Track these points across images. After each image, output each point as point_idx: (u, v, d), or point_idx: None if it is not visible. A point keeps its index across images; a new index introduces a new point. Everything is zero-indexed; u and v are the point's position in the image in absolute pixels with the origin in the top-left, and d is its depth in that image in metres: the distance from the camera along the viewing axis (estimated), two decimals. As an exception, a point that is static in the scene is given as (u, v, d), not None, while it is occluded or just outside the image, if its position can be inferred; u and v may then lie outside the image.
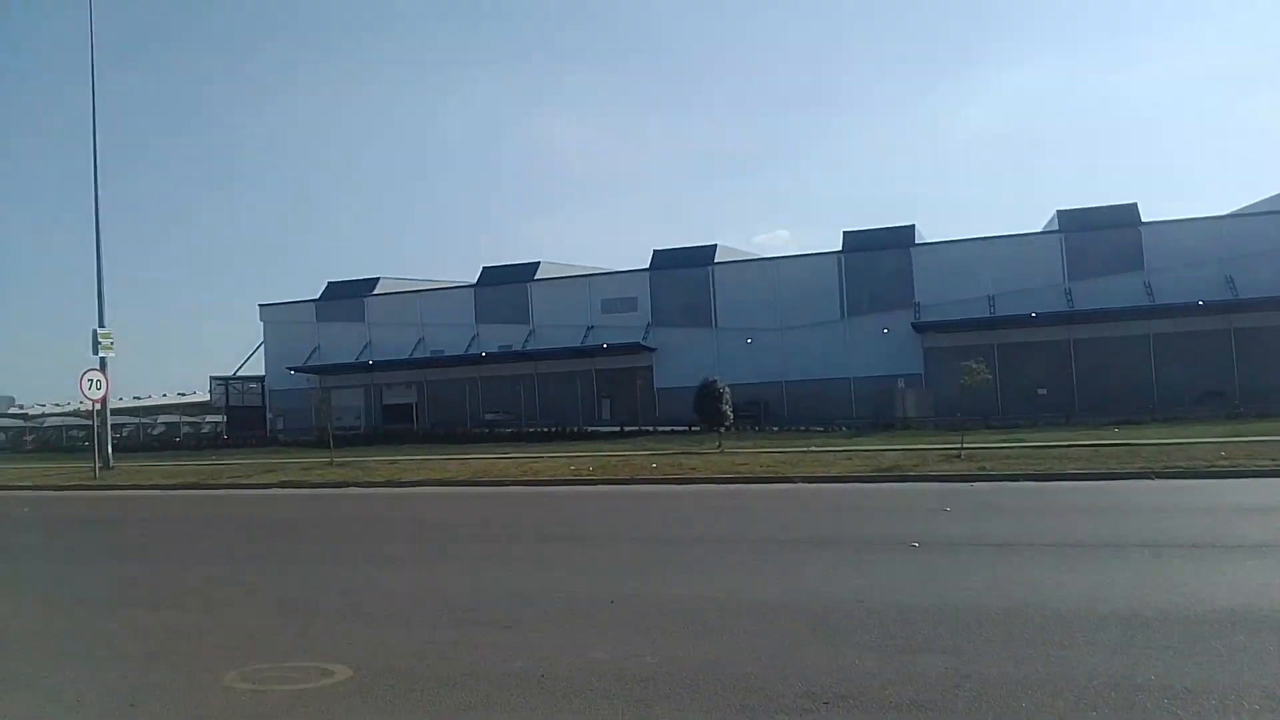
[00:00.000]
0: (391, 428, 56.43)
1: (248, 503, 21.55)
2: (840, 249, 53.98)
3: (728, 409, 32.90)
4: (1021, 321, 48.59)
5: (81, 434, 70.94)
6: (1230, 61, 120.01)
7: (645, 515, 15.77)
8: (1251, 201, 51.13)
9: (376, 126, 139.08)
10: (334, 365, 61.45)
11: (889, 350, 51.59)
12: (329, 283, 65.28)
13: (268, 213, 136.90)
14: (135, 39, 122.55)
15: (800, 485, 19.32)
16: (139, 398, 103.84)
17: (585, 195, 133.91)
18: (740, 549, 11.35)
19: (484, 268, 61.57)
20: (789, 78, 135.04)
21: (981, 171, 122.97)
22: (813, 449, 27.85)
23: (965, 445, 23.31)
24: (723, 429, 33.20)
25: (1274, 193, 49.53)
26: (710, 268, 55.88)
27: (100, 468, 30.41)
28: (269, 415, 64.05)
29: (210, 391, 67.41)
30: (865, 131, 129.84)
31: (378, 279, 63.99)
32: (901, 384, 49.70)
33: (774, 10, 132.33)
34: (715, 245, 57.35)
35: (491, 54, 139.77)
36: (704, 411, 33.31)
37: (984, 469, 19.06)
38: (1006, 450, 22.89)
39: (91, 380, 29.35)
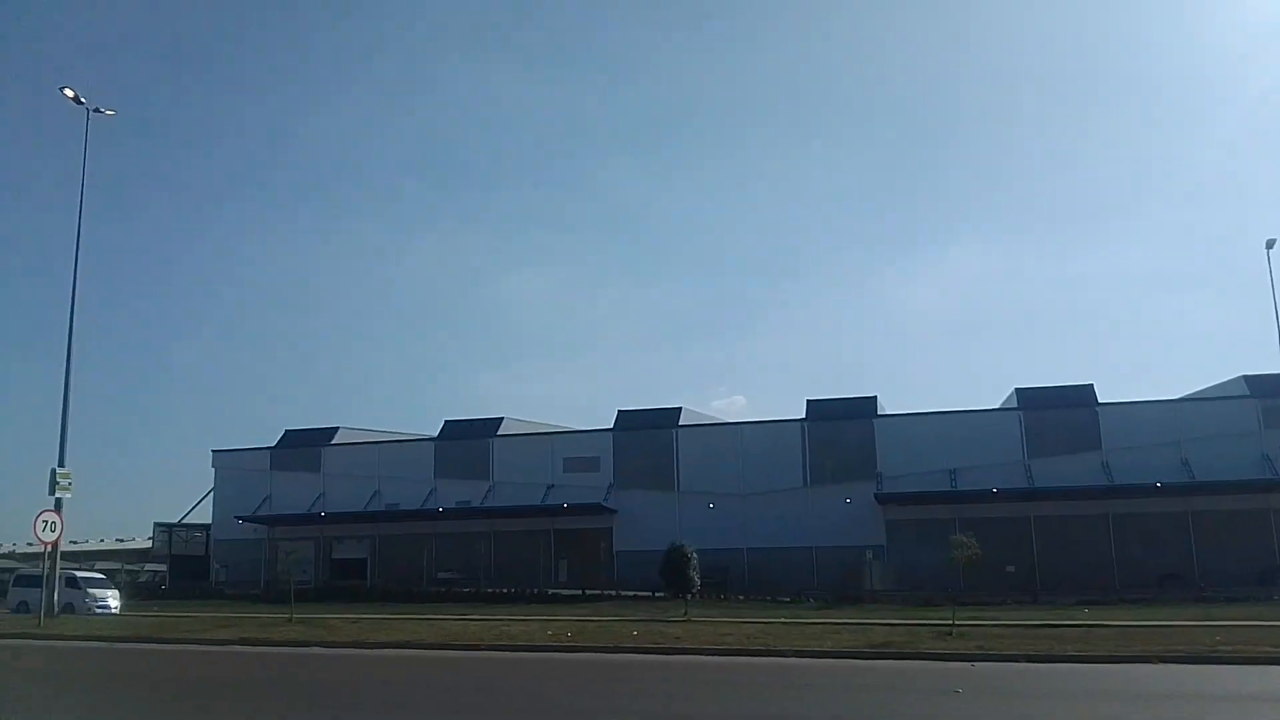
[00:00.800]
0: (341, 583, 54.46)
1: (211, 660, 20.39)
2: (804, 417, 54.48)
3: (695, 575, 32.42)
4: (983, 497, 48.95)
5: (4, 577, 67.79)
6: (1164, 255, 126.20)
7: (654, 689, 15.03)
8: (1204, 386, 52.74)
9: (341, 277, 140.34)
10: (285, 516, 59.80)
11: (851, 520, 51.48)
12: (286, 431, 64.29)
13: (226, 359, 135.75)
14: (111, 182, 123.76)
15: (792, 660, 18.77)
16: (74, 541, 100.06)
17: (544, 353, 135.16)
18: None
19: (446, 421, 61.19)
20: (747, 248, 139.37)
21: (936, 346, 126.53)
22: (783, 620, 27.34)
23: (956, 623, 22.97)
24: (689, 596, 32.56)
25: (1224, 378, 51.30)
26: (674, 430, 56.00)
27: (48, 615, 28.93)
28: (213, 565, 61.71)
29: (153, 538, 64.97)
30: (821, 303, 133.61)
31: (336, 429, 63.19)
32: (870, 555, 49.42)
33: (732, 188, 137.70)
34: (680, 409, 57.69)
35: (455, 212, 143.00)
36: (671, 577, 32.77)
37: (981, 648, 18.70)
38: (999, 629, 22.56)
39: (46, 522, 28.22)
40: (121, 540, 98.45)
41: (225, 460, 63.80)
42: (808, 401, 55.06)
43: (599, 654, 20.49)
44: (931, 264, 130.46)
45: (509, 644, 22.07)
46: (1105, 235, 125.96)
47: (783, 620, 27.18)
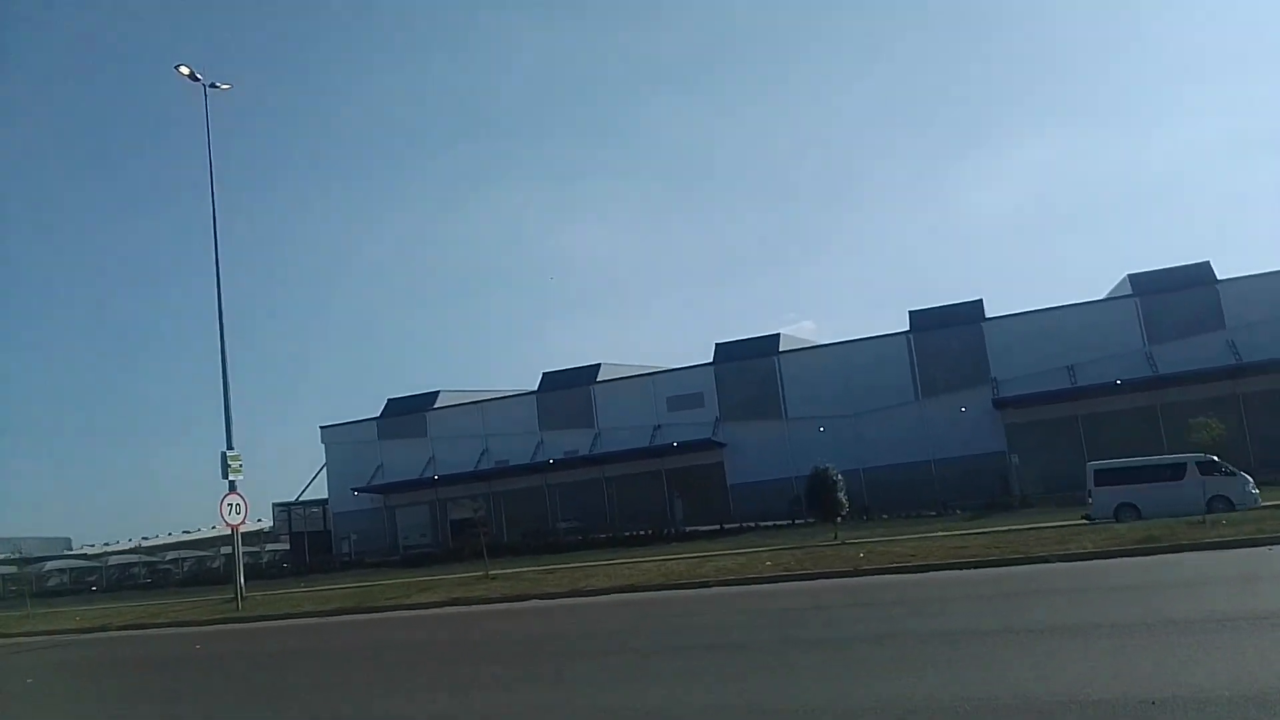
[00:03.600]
0: (469, 536, 54.99)
1: (453, 621, 19.85)
2: (908, 329, 53.25)
3: (843, 497, 31.73)
4: (1105, 390, 47.48)
5: (149, 569, 70.17)
6: (1240, 122, 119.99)
7: (1019, 603, 14.33)
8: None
9: (405, 246, 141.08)
10: (399, 483, 60.72)
11: (970, 429, 50.41)
12: (389, 400, 65.12)
13: (322, 338, 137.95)
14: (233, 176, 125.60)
15: (1043, 565, 18.38)
16: (188, 531, 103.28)
17: (605, 299, 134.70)
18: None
19: (544, 373, 61.26)
20: (802, 172, 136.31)
21: (1012, 246, 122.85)
22: (958, 532, 26.54)
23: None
24: (839, 519, 31.98)
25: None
26: (776, 357, 55.26)
27: (232, 599, 29.45)
28: (336, 538, 63.00)
29: (274, 518, 66.56)
30: (884, 218, 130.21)
31: (437, 393, 63.73)
32: (1015, 459, 48.09)
33: (781, 116, 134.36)
34: (779, 334, 56.95)
35: (511, 171, 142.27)
36: (817, 502, 32.15)
37: (1261, 531, 18.50)
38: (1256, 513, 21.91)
39: (231, 505, 28.65)
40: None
41: (334, 435, 64.88)
42: (910, 312, 53.88)
43: (839, 579, 19.72)
44: (996, 163, 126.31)
45: (736, 578, 21.40)
46: (1174, 108, 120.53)
47: (960, 532, 26.33)
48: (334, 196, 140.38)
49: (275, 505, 65.76)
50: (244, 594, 29.60)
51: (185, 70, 31.28)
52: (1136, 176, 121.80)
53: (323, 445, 65.15)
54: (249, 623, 24.64)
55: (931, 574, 18.97)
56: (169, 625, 25.95)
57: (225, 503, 28.74)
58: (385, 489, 61.43)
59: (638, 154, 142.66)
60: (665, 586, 21.42)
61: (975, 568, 19.22)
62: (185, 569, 66.52)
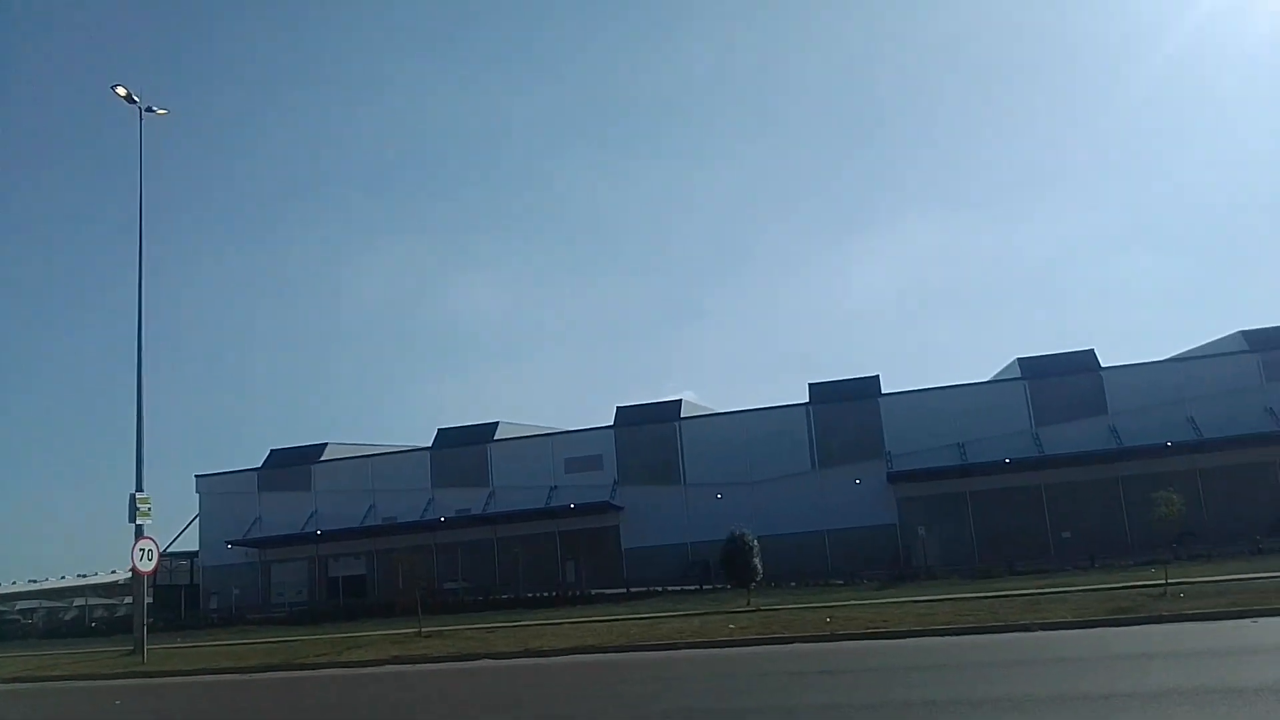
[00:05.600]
0: (351, 602, 52.70)
1: (410, 680, 18.37)
2: (807, 401, 54.07)
3: (758, 563, 31.36)
4: (994, 468, 48.97)
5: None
6: (1099, 219, 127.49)
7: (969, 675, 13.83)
8: (1198, 344, 53.21)
9: (291, 296, 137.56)
10: (277, 537, 57.94)
11: (863, 501, 51.17)
12: (272, 450, 62.46)
13: (201, 385, 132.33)
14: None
15: (1022, 634, 18.02)
16: (34, 580, 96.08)
17: (491, 357, 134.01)
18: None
19: (440, 429, 59.88)
20: (691, 241, 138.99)
21: (887, 327, 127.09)
22: (892, 600, 26.27)
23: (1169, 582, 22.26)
24: (752, 585, 31.61)
25: (1220, 335, 51.88)
26: (677, 423, 55.28)
27: (131, 651, 27.30)
28: (204, 593, 59.59)
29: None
30: (764, 292, 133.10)
31: (325, 445, 61.49)
32: (922, 531, 48.76)
33: (673, 184, 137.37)
34: (680, 400, 57.05)
35: (399, 222, 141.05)
36: (733, 566, 31.67)
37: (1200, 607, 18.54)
38: (1207, 586, 22.06)
39: (144, 550, 26.71)
40: (84, 575, 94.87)
41: (210, 485, 61.70)
42: (810, 385, 54.79)
43: (798, 644, 19.10)
44: (875, 247, 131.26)
45: (704, 640, 20.59)
46: (1042, 203, 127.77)
47: (896, 600, 26.00)
48: (230, 237, 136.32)
49: (141, 556, 61.74)
50: (145, 647, 27.31)
51: (122, 91, 30.01)
52: (1012, 265, 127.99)
53: (197, 495, 61.86)
54: (159, 678, 22.56)
55: (911, 640, 18.51)
56: (59, 678, 23.91)
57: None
58: (262, 543, 58.55)
59: (527, 211, 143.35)
60: (629, 648, 20.57)
61: (952, 635, 18.73)
62: (38, 619, 61.63)
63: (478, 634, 25.82)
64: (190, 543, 61.77)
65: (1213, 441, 46.61)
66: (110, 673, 23.78)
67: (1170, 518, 24.99)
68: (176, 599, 59.59)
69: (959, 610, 21.66)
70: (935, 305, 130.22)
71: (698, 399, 60.50)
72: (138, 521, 27.84)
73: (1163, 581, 22.40)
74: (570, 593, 44.23)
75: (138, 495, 28.51)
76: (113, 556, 75.64)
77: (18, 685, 23.35)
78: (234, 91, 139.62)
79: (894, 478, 50.50)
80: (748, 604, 29.35)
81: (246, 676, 21.39)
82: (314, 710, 15.63)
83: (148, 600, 62.54)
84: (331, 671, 20.90)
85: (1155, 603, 19.95)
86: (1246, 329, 50.24)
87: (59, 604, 69.21)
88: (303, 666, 21.87)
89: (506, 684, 16.90)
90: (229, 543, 58.00)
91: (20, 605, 72.87)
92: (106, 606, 69.43)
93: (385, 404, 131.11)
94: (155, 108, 31.30)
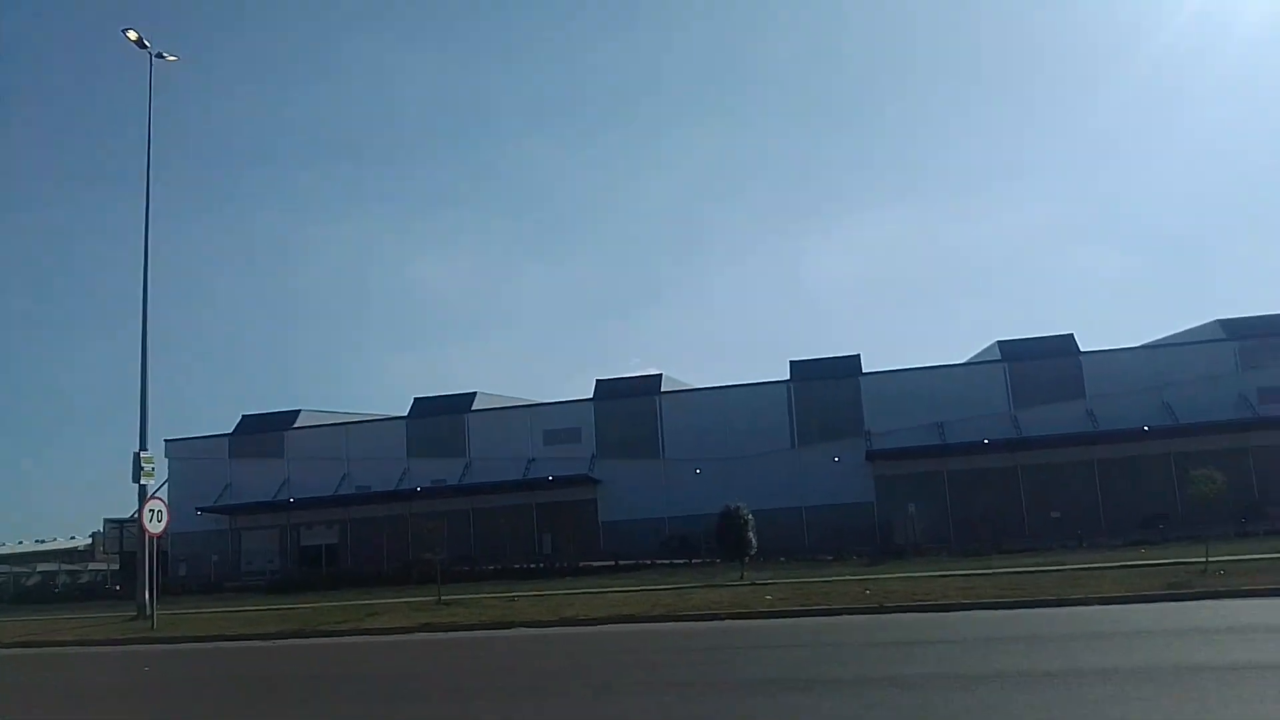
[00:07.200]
0: (332, 570, 52.15)
1: (462, 647, 17.81)
2: (788, 378, 54.04)
3: (752, 537, 31.22)
4: (972, 449, 49.21)
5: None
6: (1056, 213, 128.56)
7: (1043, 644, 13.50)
8: (1177, 330, 53.75)
9: (250, 267, 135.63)
10: (248, 505, 57.20)
11: (841, 478, 51.29)
12: (244, 416, 61.50)
13: (173, 347, 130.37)
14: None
15: (1081, 608, 17.56)
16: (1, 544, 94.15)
17: (456, 335, 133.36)
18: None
19: (416, 399, 59.22)
20: (652, 223, 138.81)
21: (851, 312, 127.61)
22: (921, 574, 26.01)
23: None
24: (745, 559, 31.50)
25: (1199, 323, 52.43)
26: (657, 397, 55.05)
27: (136, 617, 26.57)
28: (173, 560, 58.60)
29: (104, 535, 61.49)
30: (727, 274, 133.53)
31: (298, 411, 60.63)
32: (912, 508, 48.85)
33: (635, 165, 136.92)
34: (660, 375, 56.79)
35: (362, 194, 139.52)
36: (727, 540, 31.56)
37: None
38: (1246, 565, 21.95)
39: (153, 511, 25.70)
40: (42, 541, 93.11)
41: (179, 450, 60.49)
42: (791, 362, 54.77)
43: (861, 615, 18.70)
44: (841, 232, 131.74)
45: (743, 611, 20.12)
46: (1001, 197, 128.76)
47: (925, 575, 25.56)
48: (195, 202, 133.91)
49: (107, 521, 60.76)
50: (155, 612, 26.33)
51: (133, 35, 29.00)
52: (978, 255, 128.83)
53: (166, 460, 60.70)
54: (176, 644, 21.59)
55: (964, 613, 18.06)
56: (69, 644, 23.00)
57: (148, 508, 25.86)
58: (233, 510, 57.78)
59: (488, 191, 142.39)
60: (667, 618, 20.03)
61: (1004, 609, 18.21)
62: (3, 586, 60.24)
63: (499, 603, 25.34)
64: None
65: (1189, 427, 47.11)
66: (122, 638, 22.95)
67: (1210, 496, 24.93)
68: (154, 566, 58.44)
69: (1000, 585, 21.33)
70: (901, 292, 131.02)
71: (674, 375, 60.28)
72: (141, 481, 27.07)
73: (1203, 559, 22.52)
74: (555, 565, 43.97)
75: (142, 454, 27.74)
76: (71, 523, 74.41)
77: (23, 650, 22.58)
78: (205, 60, 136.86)
79: (872, 456, 50.65)
80: (741, 578, 29.14)
81: (269, 643, 20.75)
82: (397, 676, 14.40)
83: (113, 568, 62.90)
84: (357, 639, 20.30)
85: (1202, 578, 19.95)
86: (1224, 318, 50.76)
87: (22, 569, 67.80)
88: (325, 634, 21.27)
89: (582, 651, 16.09)
90: (199, 509, 57.03)
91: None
92: (69, 573, 68.19)
93: (354, 374, 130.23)
94: (166, 54, 30.44)
